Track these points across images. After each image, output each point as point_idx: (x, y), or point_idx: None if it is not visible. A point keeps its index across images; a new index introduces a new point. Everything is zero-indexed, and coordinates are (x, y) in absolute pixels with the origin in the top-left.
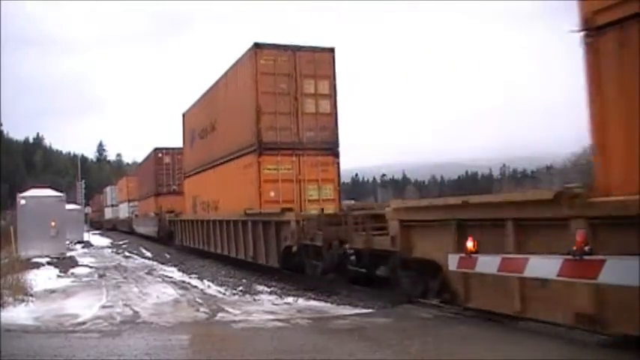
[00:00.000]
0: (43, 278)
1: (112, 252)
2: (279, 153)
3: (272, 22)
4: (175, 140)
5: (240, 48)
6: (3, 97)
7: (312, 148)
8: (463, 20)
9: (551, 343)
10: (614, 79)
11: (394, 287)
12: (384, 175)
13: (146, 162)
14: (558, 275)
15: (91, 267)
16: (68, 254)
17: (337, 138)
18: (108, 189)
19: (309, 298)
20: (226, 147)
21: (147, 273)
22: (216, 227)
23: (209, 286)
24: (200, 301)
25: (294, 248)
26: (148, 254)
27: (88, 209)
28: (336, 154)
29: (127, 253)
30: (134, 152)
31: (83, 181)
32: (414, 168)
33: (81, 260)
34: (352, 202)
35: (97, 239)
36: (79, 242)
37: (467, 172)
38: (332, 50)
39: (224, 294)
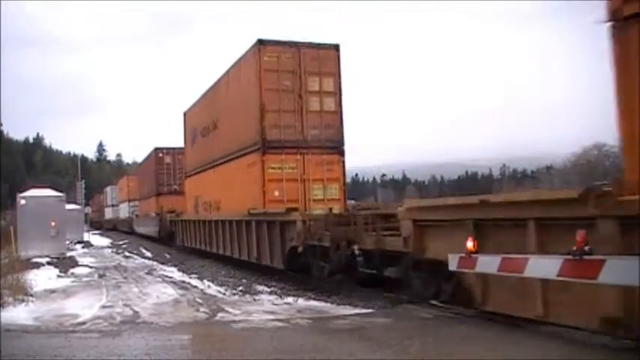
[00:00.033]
0: (43, 278)
1: (112, 252)
2: (284, 151)
3: (272, 22)
4: (176, 140)
5: (240, 48)
6: (3, 97)
7: (317, 147)
8: (463, 20)
9: (551, 343)
10: None
11: (405, 289)
12: (384, 175)
13: (147, 162)
14: (558, 275)
15: (91, 267)
16: (68, 254)
17: (342, 136)
18: (108, 189)
19: (309, 298)
20: (229, 146)
21: (147, 273)
22: (219, 227)
23: (209, 286)
24: (200, 301)
25: (300, 249)
26: (148, 254)
27: (88, 209)
28: (342, 153)
29: (127, 253)
30: (134, 152)
31: (83, 181)
32: (414, 168)
33: (81, 260)
34: (353, 201)
35: (97, 239)
36: (79, 242)
37: (467, 172)
38: (337, 47)
39: (224, 294)
